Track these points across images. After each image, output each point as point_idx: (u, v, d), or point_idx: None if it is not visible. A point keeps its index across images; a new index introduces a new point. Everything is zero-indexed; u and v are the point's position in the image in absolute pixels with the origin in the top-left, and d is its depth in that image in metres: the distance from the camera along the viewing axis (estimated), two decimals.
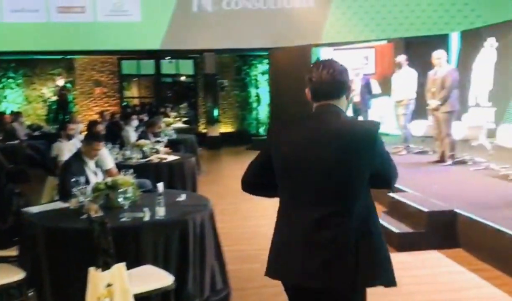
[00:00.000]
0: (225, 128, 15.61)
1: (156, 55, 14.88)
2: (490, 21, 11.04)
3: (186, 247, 3.32)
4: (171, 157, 6.44)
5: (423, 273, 4.16)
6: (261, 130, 14.79)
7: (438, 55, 7.48)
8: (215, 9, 13.01)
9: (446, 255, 4.52)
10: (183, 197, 3.88)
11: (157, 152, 6.59)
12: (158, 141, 7.40)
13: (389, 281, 1.99)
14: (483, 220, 4.42)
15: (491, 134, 7.77)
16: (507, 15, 9.97)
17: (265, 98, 14.57)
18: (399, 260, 4.28)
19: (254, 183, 2.15)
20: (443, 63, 7.46)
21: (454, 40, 11.34)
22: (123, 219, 3.29)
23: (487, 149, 6.92)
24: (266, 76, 14.47)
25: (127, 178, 3.66)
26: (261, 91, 14.76)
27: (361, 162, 1.92)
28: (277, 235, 2.05)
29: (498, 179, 6.26)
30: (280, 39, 13.02)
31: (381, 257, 1.99)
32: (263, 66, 14.95)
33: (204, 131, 15.13)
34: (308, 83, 2.04)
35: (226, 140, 14.62)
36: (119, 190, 3.48)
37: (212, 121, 14.52)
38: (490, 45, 10.00)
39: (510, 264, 4.03)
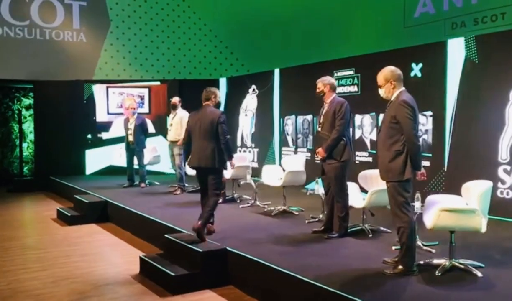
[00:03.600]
0: None
1: None
2: (252, 70, 12.31)
3: None
4: None
5: None
6: (26, 170, 13.34)
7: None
8: None
9: (218, 293, 4.67)
10: None
11: None
12: None
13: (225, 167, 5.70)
14: (249, 255, 4.72)
15: (256, 173, 8.52)
16: (265, 66, 11.26)
17: (31, 135, 13.28)
18: None
19: (188, 139, 5.66)
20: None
21: (223, 84, 12.24)
22: None
23: (253, 187, 7.53)
24: (32, 111, 13.22)
25: None
26: (25, 127, 13.39)
27: (217, 125, 5.45)
28: (192, 151, 5.58)
29: (262, 215, 6.86)
30: (47, 72, 12.16)
31: (224, 157, 5.57)
32: (29, 99, 13.65)
33: None
34: (203, 95, 5.70)
35: None
36: None
37: None
38: (253, 91, 11.10)
39: (273, 296, 4.37)
